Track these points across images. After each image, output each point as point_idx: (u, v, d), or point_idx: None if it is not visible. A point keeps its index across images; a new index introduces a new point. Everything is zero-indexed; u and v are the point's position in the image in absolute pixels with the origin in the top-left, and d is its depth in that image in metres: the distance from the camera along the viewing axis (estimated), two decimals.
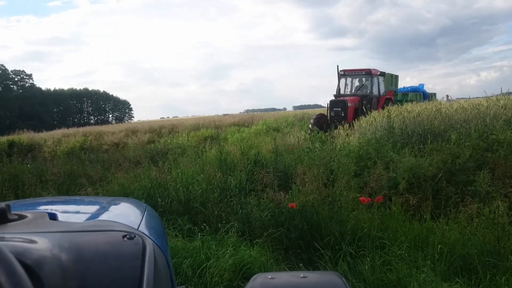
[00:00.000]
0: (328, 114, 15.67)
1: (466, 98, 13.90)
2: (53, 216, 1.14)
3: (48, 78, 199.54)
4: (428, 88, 23.94)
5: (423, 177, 5.64)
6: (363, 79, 17.02)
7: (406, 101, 18.75)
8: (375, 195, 5.17)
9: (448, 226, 4.39)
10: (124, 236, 0.87)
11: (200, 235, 4.42)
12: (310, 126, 15.37)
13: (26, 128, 33.20)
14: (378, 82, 16.92)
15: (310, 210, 4.67)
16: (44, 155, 16.92)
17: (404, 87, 22.95)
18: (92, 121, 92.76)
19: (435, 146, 6.74)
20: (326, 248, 4.19)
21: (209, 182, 5.76)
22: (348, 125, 12.43)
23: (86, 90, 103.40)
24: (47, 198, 2.12)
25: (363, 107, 15.33)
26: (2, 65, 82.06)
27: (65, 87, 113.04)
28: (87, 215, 1.34)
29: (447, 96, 22.83)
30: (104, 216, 1.29)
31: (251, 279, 1.54)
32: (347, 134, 10.31)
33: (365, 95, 16.40)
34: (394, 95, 20.52)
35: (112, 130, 28.32)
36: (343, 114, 15.04)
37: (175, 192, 5.38)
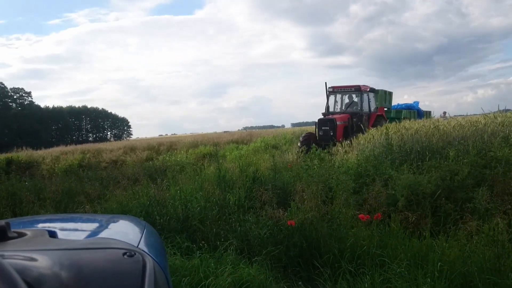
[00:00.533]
0: (317, 133, 15.11)
1: (463, 115, 13.97)
2: (52, 234, 1.14)
3: (47, 96, 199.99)
4: (425, 106, 23.66)
5: (422, 194, 5.63)
6: (353, 95, 16.54)
7: (399, 118, 18.54)
8: (374, 212, 5.15)
9: (447, 243, 4.36)
10: (124, 254, 0.87)
11: (199, 253, 4.39)
12: (299, 144, 14.81)
13: (25, 145, 33.14)
14: (369, 99, 16.45)
15: (309, 227, 4.66)
16: (42, 172, 16.88)
17: (398, 104, 22.69)
18: (90, 139, 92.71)
19: (434, 163, 6.75)
20: (325, 266, 4.17)
21: (207, 199, 5.74)
22: (338, 144, 12.05)
23: (84, 107, 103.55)
24: (46, 216, 2.11)
25: (353, 125, 15.17)
26: (1, 83, 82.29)
27: (64, 104, 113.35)
28: (87, 233, 1.34)
29: (444, 112, 22.69)
30: (103, 234, 1.29)
31: None
32: (345, 151, 10.31)
33: (355, 112, 15.86)
34: (387, 112, 20.19)
35: (110, 147, 28.26)
36: (332, 133, 14.49)
37: (174, 210, 5.36)
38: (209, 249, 4.58)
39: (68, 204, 7.10)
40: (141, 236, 1.32)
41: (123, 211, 5.41)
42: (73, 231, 1.52)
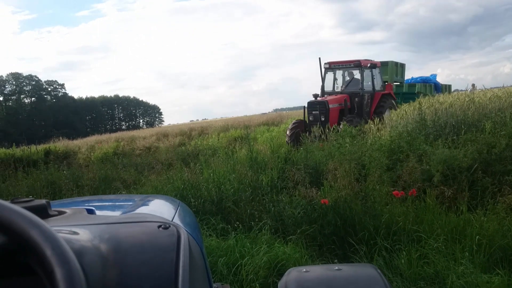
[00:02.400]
0: (307, 119, 13.16)
1: (500, 87, 13.46)
2: (90, 211, 1.17)
3: (80, 87, 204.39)
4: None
5: (458, 169, 5.52)
6: (353, 72, 14.45)
7: (413, 94, 17.23)
8: (408, 188, 5.10)
9: (486, 217, 4.29)
10: (159, 226, 0.90)
11: (234, 234, 4.45)
12: (287, 138, 12.91)
13: (61, 136, 34.04)
14: (372, 75, 14.11)
15: (343, 205, 4.65)
16: (79, 161, 17.31)
17: (412, 78, 20.58)
18: (123, 127, 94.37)
19: (470, 136, 6.59)
20: (361, 243, 4.16)
21: (240, 181, 5.79)
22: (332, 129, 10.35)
23: (116, 96, 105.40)
24: (84, 197, 2.18)
25: (355, 106, 13.50)
26: (35, 76, 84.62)
27: (96, 94, 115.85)
28: (123, 210, 1.38)
29: (473, 85, 21.47)
30: (139, 210, 1.33)
31: (286, 273, 1.55)
32: (378, 129, 10.17)
33: (356, 92, 13.80)
34: (399, 87, 18.52)
35: (143, 134, 28.72)
36: (323, 118, 12.47)
37: (208, 192, 5.43)
38: (244, 230, 4.63)
39: (105, 190, 7.29)
40: (175, 212, 1.35)
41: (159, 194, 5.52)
42: (110, 208, 1.57)
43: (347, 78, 14.62)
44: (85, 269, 0.61)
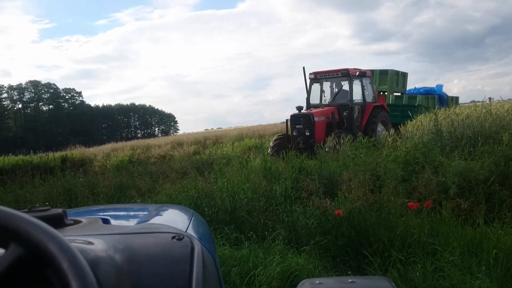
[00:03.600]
0: (291, 134, 12.14)
1: None
2: (106, 221, 1.19)
3: (97, 95, 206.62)
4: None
5: (474, 181, 5.45)
6: (341, 83, 13.27)
7: (413, 107, 15.44)
8: (424, 200, 5.04)
9: (503, 230, 4.21)
10: (173, 237, 0.91)
11: (247, 244, 4.44)
12: (269, 149, 11.99)
13: (78, 143, 34.44)
14: (363, 85, 13.04)
15: (357, 216, 4.61)
16: (95, 169, 17.50)
17: (415, 88, 18.66)
18: (139, 135, 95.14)
19: (487, 148, 6.50)
20: (375, 255, 4.12)
21: (254, 191, 5.79)
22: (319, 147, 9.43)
23: (132, 105, 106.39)
24: (99, 206, 2.20)
25: (343, 120, 12.34)
26: (54, 84, 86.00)
27: (113, 103, 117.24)
28: (138, 220, 1.39)
29: (490, 98, 20.50)
30: (153, 221, 1.34)
31: (299, 285, 1.54)
32: (393, 140, 10.10)
33: (344, 104, 12.65)
34: (398, 98, 16.92)
35: (158, 143, 28.94)
36: (308, 133, 11.48)
37: (221, 202, 5.44)
38: (257, 240, 4.62)
39: (120, 198, 7.35)
40: (189, 223, 1.36)
41: (173, 203, 5.54)
42: (125, 218, 1.59)
43: (335, 90, 13.50)
44: (100, 279, 0.62)
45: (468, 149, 7.04)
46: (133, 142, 34.46)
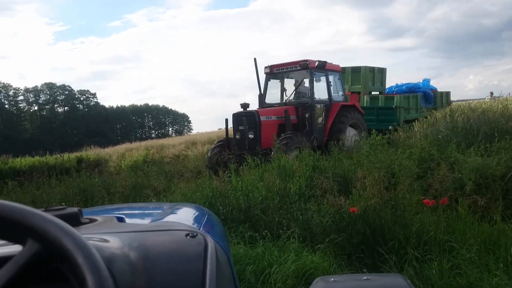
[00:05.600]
0: (233, 137, 10.24)
1: None
2: (120, 219, 1.20)
3: (111, 96, 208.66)
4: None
5: (491, 177, 5.39)
6: (303, 78, 11.23)
7: (389, 110, 13.36)
8: (440, 197, 5.00)
9: None
10: (187, 235, 0.91)
11: (262, 242, 4.45)
12: (206, 161, 10.11)
13: (93, 144, 34.76)
14: (328, 81, 11.16)
15: (372, 214, 4.59)
16: (110, 169, 17.64)
17: (396, 85, 16.04)
18: (153, 135, 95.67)
19: (503, 144, 6.42)
20: (391, 252, 4.10)
21: (268, 189, 5.79)
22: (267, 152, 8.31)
23: (146, 105, 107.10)
24: (114, 205, 2.23)
25: (304, 121, 10.49)
26: (68, 86, 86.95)
27: (127, 103, 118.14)
28: (152, 218, 1.41)
29: (491, 93, 18.57)
30: (167, 218, 1.35)
31: (313, 282, 1.54)
32: (408, 137, 10.02)
33: (303, 102, 10.77)
34: (374, 99, 14.45)
35: (172, 143, 29.01)
36: (251, 135, 9.53)
37: (236, 200, 5.45)
38: (272, 238, 4.62)
39: (135, 198, 7.40)
40: (203, 221, 1.37)
41: (188, 202, 5.57)
42: (139, 216, 1.61)
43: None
44: (115, 276, 0.63)
45: (484, 145, 6.95)
46: (147, 142, 34.60)
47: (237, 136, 9.93)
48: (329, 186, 5.53)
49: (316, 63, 10.67)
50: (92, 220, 1.10)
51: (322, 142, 10.29)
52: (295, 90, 11.37)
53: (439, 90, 16.47)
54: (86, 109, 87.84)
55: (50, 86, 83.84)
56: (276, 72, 11.38)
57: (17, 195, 8.81)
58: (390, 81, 16.02)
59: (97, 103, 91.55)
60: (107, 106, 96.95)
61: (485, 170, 5.47)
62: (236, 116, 10.00)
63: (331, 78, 11.37)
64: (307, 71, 10.62)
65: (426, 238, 4.12)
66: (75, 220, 0.99)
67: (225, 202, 5.45)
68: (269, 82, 11.65)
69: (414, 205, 4.88)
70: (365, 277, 1.49)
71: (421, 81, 16.22)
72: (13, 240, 0.63)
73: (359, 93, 14.19)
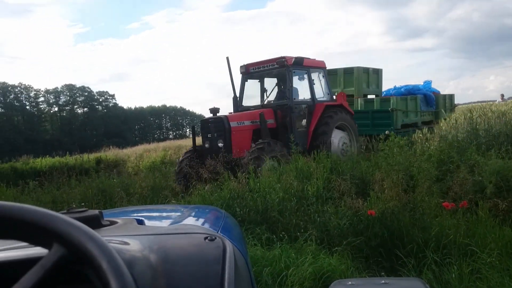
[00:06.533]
0: (203, 145, 9.24)
1: None
2: (140, 222, 1.22)
3: (129, 97, 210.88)
4: None
5: None
6: (282, 77, 10.06)
7: (385, 113, 12.24)
8: (459, 200, 4.93)
9: None
10: (205, 238, 0.93)
11: (279, 244, 4.45)
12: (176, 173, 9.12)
13: (111, 145, 35.18)
14: (310, 79, 10.05)
15: (390, 217, 4.56)
16: (128, 170, 17.79)
17: (394, 87, 14.49)
18: (171, 136, 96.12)
19: None
20: (409, 256, 4.06)
21: (285, 191, 5.78)
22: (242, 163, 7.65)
23: (164, 106, 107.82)
24: (134, 207, 2.26)
25: (284, 124, 9.40)
26: (88, 87, 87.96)
27: (145, 104, 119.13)
28: (171, 221, 1.42)
29: (502, 95, 18.43)
30: (186, 221, 1.36)
31: (331, 285, 1.54)
32: (427, 139, 9.91)
33: (282, 104, 9.63)
34: (368, 102, 13.40)
35: (190, 144, 29.17)
36: (221, 144, 8.52)
37: (253, 202, 5.45)
38: (289, 240, 4.62)
39: (153, 199, 7.45)
40: (221, 224, 1.39)
41: (205, 204, 5.60)
42: (158, 219, 1.63)
43: (282, 86, 10.32)
44: (136, 278, 0.65)
45: (506, 147, 6.84)
46: (165, 143, 34.86)
47: (206, 145, 8.99)
48: (347, 188, 5.50)
49: (293, 60, 9.56)
50: (112, 223, 1.12)
51: (305, 147, 9.20)
52: (272, 90, 10.68)
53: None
54: (105, 110, 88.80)
55: (70, 87, 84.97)
56: (252, 71, 10.38)
57: (37, 195, 8.95)
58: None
59: (115, 104, 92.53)
60: (125, 107, 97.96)
61: (506, 173, 5.38)
62: (203, 123, 9.23)
63: (314, 75, 10.34)
64: (286, 69, 9.52)
65: (446, 242, 4.08)
66: (96, 223, 1.01)
67: (242, 203, 5.46)
68: (246, 83, 10.67)
69: (433, 208, 4.82)
70: (383, 281, 1.48)
71: (423, 83, 15.02)
72: (38, 244, 0.64)
73: (352, 96, 13.39)
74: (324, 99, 10.41)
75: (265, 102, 10.49)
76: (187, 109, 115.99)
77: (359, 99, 13.41)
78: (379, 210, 4.60)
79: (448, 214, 4.58)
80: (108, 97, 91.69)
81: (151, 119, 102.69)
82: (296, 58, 9.56)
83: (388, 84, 15.01)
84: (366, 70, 13.98)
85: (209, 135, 8.88)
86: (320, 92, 10.53)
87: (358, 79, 13.52)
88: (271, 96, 10.65)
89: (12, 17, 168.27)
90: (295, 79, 10.08)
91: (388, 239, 4.38)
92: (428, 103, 13.90)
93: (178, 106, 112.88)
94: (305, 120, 9.80)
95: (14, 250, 0.81)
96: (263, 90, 10.74)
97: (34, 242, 0.64)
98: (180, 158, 9.23)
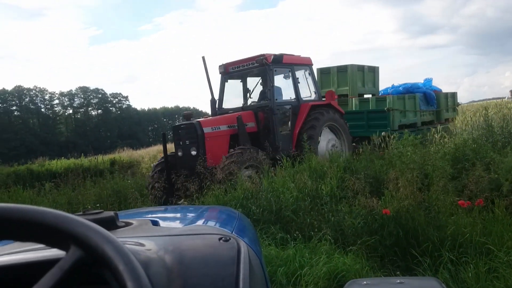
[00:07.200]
0: (175, 154, 8.45)
1: None
2: (155, 223, 1.23)
3: (143, 98, 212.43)
4: None
5: None
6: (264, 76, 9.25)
7: (381, 113, 11.44)
8: (475, 198, 4.88)
9: None
10: (220, 239, 0.93)
11: (293, 243, 4.44)
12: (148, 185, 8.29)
13: (125, 146, 35.45)
14: (294, 77, 9.35)
15: (405, 216, 4.53)
16: (142, 171, 17.91)
17: (392, 86, 13.64)
18: None
19: None
20: (424, 255, 4.03)
21: (299, 190, 5.77)
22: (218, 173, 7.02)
23: (177, 107, 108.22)
24: (148, 208, 2.28)
25: (265, 129, 8.73)
26: (101, 89, 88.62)
27: (158, 106, 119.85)
28: (185, 221, 1.43)
29: (511, 92, 18.04)
30: (200, 222, 1.37)
31: (346, 285, 1.54)
32: (442, 136, 9.81)
33: (264, 106, 8.94)
34: (363, 102, 12.59)
35: None
36: (194, 152, 7.80)
37: (267, 202, 5.45)
38: (303, 239, 4.61)
39: (168, 199, 7.50)
40: (235, 224, 1.39)
41: (219, 204, 5.61)
42: (173, 220, 1.64)
43: (265, 87, 9.28)
44: (151, 280, 0.65)
45: None
46: None
47: (179, 153, 8.26)
48: (361, 187, 5.47)
49: (272, 57, 8.80)
50: (127, 224, 1.13)
51: (289, 152, 8.40)
52: (252, 90, 9.94)
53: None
54: (119, 112, 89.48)
55: (84, 89, 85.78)
56: (232, 71, 9.76)
57: (53, 196, 9.06)
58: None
59: (129, 106, 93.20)
60: (138, 108, 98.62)
61: None
62: (175, 130, 8.54)
63: (299, 73, 9.58)
64: (266, 68, 8.77)
65: (462, 240, 4.04)
66: (111, 224, 1.02)
67: (256, 203, 5.46)
68: (226, 83, 10.02)
69: (448, 206, 4.78)
70: (398, 280, 1.47)
71: (423, 81, 14.18)
72: (56, 246, 0.65)
73: (347, 96, 12.79)
74: (312, 98, 9.78)
75: (250, 103, 9.76)
76: (200, 109, 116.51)
77: (353, 98, 12.75)
78: (394, 209, 4.57)
79: (463, 212, 4.54)
80: (122, 98, 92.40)
81: (164, 120, 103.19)
82: (275, 55, 8.88)
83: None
84: (361, 68, 13.32)
85: (181, 143, 8.21)
86: (308, 91, 9.92)
87: (352, 78, 12.83)
88: (256, 97, 9.84)
89: (26, 21, 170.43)
90: (280, 77, 9.50)
91: (403, 238, 4.35)
92: (429, 102, 13.07)
93: (191, 107, 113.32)
94: (276, 122, 8.87)
95: (29, 252, 0.83)
96: (245, 91, 10.07)
97: (52, 244, 0.66)
98: (151, 173, 8.48)
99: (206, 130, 7.95)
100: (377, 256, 4.30)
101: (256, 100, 9.66)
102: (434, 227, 4.37)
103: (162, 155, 8.39)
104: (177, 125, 8.51)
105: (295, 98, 9.38)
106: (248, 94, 9.96)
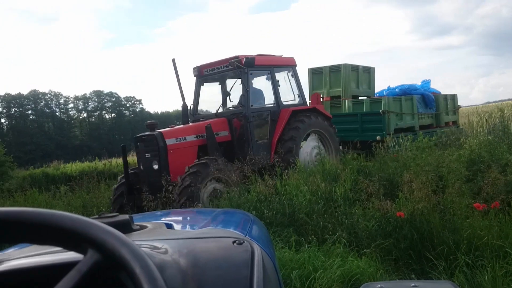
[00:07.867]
0: (138, 167, 7.88)
1: None
2: (169, 226, 1.25)
3: (155, 101, 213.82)
4: None
5: None
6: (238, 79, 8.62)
7: (376, 115, 10.77)
8: (491, 200, 4.82)
9: None
10: (234, 242, 0.94)
11: (307, 246, 4.43)
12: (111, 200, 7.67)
13: None
14: (274, 80, 8.55)
15: (419, 218, 4.49)
16: None
17: (388, 88, 13.11)
18: None
19: None
20: (440, 258, 3.99)
21: (313, 193, 5.76)
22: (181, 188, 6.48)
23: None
24: (163, 211, 2.30)
25: (240, 139, 8.10)
26: (115, 93, 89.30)
27: (171, 109, 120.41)
28: (199, 225, 1.44)
29: None
30: (214, 225, 1.38)
31: None
32: (455, 138, 9.72)
33: (238, 112, 8.30)
34: (357, 104, 11.90)
35: None
36: (156, 166, 7.16)
37: (280, 205, 5.45)
38: (317, 243, 4.60)
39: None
40: (249, 227, 1.40)
41: (233, 207, 5.62)
42: (187, 223, 1.65)
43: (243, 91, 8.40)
44: (167, 282, 0.66)
45: None
46: None
47: (141, 166, 7.53)
48: (375, 190, 5.44)
49: (244, 60, 7.95)
50: (142, 227, 1.14)
51: (267, 162, 7.79)
52: (228, 94, 9.20)
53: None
54: (132, 115, 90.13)
55: (98, 93, 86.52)
56: (207, 74, 8.95)
57: (68, 199, 9.16)
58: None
59: (142, 109, 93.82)
60: (152, 111, 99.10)
61: None
62: (136, 141, 7.68)
63: (280, 76, 8.78)
64: (240, 71, 8.00)
65: (478, 244, 3.99)
66: (127, 227, 1.04)
67: (269, 206, 5.47)
68: (202, 87, 9.30)
69: (463, 209, 4.73)
70: (413, 284, 1.47)
71: (421, 83, 13.57)
72: (73, 249, 0.67)
73: (339, 97, 12.14)
74: (295, 102, 9.04)
75: (230, 108, 9.07)
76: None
77: (346, 100, 12.06)
78: (408, 212, 4.54)
79: (479, 215, 4.49)
80: (135, 102, 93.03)
81: (178, 122, 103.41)
82: (247, 58, 8.00)
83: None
84: (355, 68, 12.55)
85: (146, 155, 7.39)
86: (291, 94, 9.15)
87: (345, 78, 12.04)
88: (237, 101, 8.98)
89: (39, 25, 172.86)
90: (261, 79, 8.76)
91: (418, 241, 4.31)
92: (427, 104, 12.49)
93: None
94: (251, 130, 8.13)
95: (46, 255, 0.85)
96: (224, 95, 9.32)
97: (70, 247, 0.67)
98: (115, 185, 7.82)
99: (169, 141, 7.28)
100: (391, 259, 4.28)
101: (228, 106, 9.13)
102: (449, 230, 4.33)
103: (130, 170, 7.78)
104: (138, 136, 7.69)
105: (274, 103, 8.68)
106: (228, 98, 9.27)
